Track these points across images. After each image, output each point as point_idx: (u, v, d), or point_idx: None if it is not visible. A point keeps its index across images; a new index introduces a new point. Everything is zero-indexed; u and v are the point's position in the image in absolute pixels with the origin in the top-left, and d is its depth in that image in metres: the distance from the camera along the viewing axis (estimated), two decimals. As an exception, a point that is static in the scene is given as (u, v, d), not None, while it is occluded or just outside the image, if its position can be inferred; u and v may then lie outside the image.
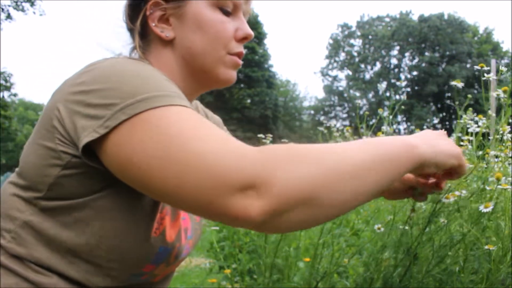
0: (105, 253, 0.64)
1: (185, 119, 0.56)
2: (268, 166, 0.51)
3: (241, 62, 0.80)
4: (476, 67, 0.92)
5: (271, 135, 2.34)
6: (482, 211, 0.81)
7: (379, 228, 1.11)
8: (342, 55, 38.57)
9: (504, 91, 0.88)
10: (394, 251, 1.06)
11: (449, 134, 1.18)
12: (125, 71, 0.62)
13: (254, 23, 25.86)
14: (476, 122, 1.04)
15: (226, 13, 0.76)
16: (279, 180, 0.50)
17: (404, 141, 0.62)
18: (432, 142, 0.67)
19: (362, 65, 37.38)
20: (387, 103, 1.42)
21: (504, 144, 0.96)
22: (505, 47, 33.94)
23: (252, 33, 0.79)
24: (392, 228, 1.10)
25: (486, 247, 0.82)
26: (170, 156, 0.53)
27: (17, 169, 0.70)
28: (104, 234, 0.63)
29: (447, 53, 32.34)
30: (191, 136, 0.54)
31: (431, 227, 0.97)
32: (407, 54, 35.60)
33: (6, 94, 18.56)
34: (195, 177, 0.51)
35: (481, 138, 1.00)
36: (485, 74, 0.91)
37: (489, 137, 1.02)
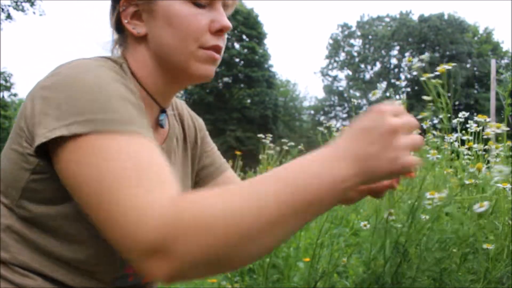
0: (84, 257, 0.65)
1: (125, 154, 0.55)
2: (174, 233, 0.49)
3: (218, 56, 0.75)
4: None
5: (271, 135, 2.35)
6: (476, 211, 0.81)
7: (365, 225, 1.11)
8: (342, 55, 38.56)
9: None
10: (390, 250, 1.06)
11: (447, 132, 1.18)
12: (85, 82, 0.61)
13: (254, 23, 25.87)
14: (476, 122, 1.04)
15: (200, 6, 0.72)
16: (183, 249, 0.49)
17: (331, 175, 0.53)
18: (368, 164, 0.54)
19: (362, 65, 37.37)
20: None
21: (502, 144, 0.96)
22: (505, 47, 33.94)
23: (229, 24, 0.74)
24: (387, 225, 1.10)
25: (485, 246, 0.82)
26: (99, 192, 0.53)
27: None
28: (81, 241, 0.64)
29: (447, 53, 32.32)
30: (121, 182, 0.53)
31: (415, 223, 0.96)
32: (407, 54, 35.57)
33: (6, 94, 18.57)
34: (114, 228, 0.52)
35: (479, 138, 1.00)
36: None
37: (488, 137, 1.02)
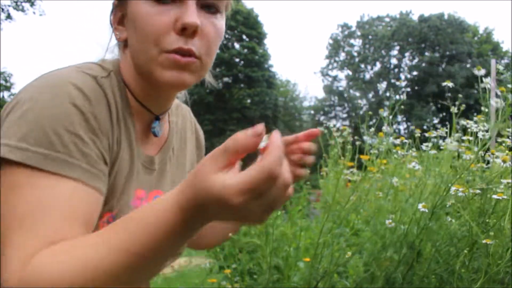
0: None
1: (36, 198, 0.55)
2: None
3: (185, 60, 0.65)
4: (476, 71, 0.93)
5: (271, 135, 2.33)
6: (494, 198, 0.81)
7: (384, 224, 1.11)
8: (342, 55, 38.55)
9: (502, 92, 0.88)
10: (395, 250, 1.06)
11: (450, 134, 1.18)
12: (37, 105, 0.59)
13: (254, 23, 25.87)
14: (476, 123, 1.04)
15: (164, 2, 0.65)
16: None
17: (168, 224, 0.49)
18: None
19: (362, 65, 37.36)
20: (387, 103, 1.42)
21: (504, 144, 0.96)
22: (505, 47, 33.94)
23: (192, 21, 0.63)
24: (392, 225, 1.10)
25: (484, 241, 0.82)
26: (5, 227, 0.55)
27: None
28: None
29: (447, 53, 32.32)
30: (18, 225, 0.54)
31: (435, 222, 0.97)
32: (407, 54, 35.59)
33: (6, 94, 18.57)
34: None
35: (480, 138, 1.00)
36: (483, 79, 0.91)
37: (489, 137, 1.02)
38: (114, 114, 0.66)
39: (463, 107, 1.17)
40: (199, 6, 0.67)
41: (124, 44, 0.73)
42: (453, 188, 0.93)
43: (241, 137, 0.46)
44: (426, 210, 0.95)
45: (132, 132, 0.71)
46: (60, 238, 0.55)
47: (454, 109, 1.11)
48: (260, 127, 0.47)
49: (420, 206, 0.96)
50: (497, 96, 0.91)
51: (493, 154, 0.92)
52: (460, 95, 1.19)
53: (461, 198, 0.94)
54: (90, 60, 0.73)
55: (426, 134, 1.26)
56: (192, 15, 0.64)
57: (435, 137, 1.22)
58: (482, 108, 0.99)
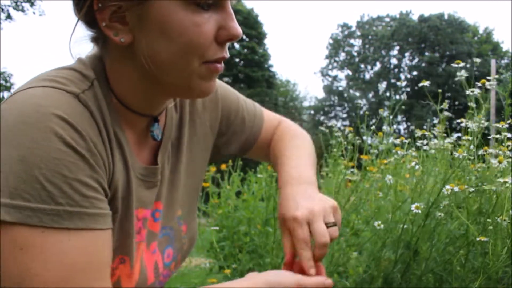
0: None
1: (44, 261, 0.50)
2: None
3: (221, 67, 0.62)
4: (455, 64, 0.95)
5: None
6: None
7: (379, 225, 1.11)
8: (342, 55, 38.55)
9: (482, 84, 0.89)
10: (394, 250, 1.06)
11: (449, 134, 1.18)
12: (21, 149, 0.50)
13: (254, 23, 25.87)
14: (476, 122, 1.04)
15: (205, 8, 0.58)
16: None
17: None
18: None
19: (362, 65, 37.36)
20: (387, 103, 1.42)
21: (503, 144, 0.96)
22: (505, 47, 33.94)
23: (240, 32, 0.60)
24: (390, 225, 1.10)
25: (479, 238, 0.83)
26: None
27: None
28: None
29: (447, 53, 32.32)
30: None
31: (430, 221, 0.97)
32: (407, 54, 35.58)
33: (6, 94, 18.56)
34: None
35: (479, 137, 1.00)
36: (457, 73, 0.92)
37: (489, 137, 1.02)
38: (104, 133, 0.59)
39: (446, 103, 1.18)
40: None
41: (118, 45, 0.60)
42: (447, 187, 0.94)
43: None
44: (419, 211, 0.95)
45: (126, 147, 0.64)
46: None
47: (438, 107, 1.12)
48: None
49: (413, 207, 0.96)
50: (476, 87, 0.92)
51: (486, 151, 0.93)
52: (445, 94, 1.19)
53: (457, 196, 0.94)
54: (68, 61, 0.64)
55: (426, 134, 1.26)
56: (236, 24, 0.60)
57: (435, 136, 1.22)
58: (469, 104, 1.00)
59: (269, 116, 0.94)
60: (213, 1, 0.58)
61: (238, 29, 0.60)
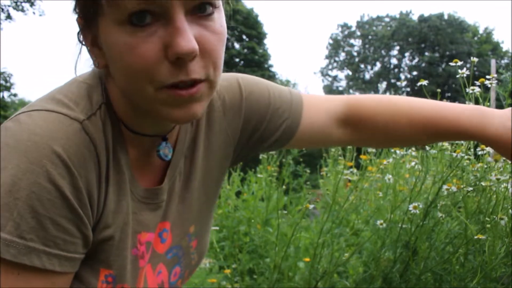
0: None
1: None
2: None
3: (186, 93, 0.52)
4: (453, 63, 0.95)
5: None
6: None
7: (381, 224, 1.11)
8: (342, 55, 38.57)
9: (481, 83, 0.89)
10: (393, 250, 1.06)
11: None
12: (8, 165, 0.49)
13: (254, 23, 25.87)
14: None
15: (142, 25, 0.49)
16: None
17: None
18: None
19: (362, 65, 37.38)
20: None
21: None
22: (505, 47, 33.97)
23: (188, 47, 0.49)
24: (390, 225, 1.10)
25: (476, 237, 0.83)
26: None
27: None
28: None
29: (447, 53, 32.33)
30: None
31: (429, 221, 0.97)
32: (407, 54, 35.60)
33: (6, 94, 18.58)
34: None
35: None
36: (459, 70, 0.92)
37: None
38: (104, 163, 0.57)
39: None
40: (189, 11, 0.51)
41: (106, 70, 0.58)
42: (445, 186, 0.94)
43: None
44: (417, 212, 0.95)
45: (126, 172, 0.61)
46: None
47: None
48: None
49: (410, 207, 0.95)
50: (476, 85, 0.92)
51: (482, 150, 0.93)
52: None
53: (456, 196, 0.94)
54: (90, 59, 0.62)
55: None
56: (184, 37, 0.49)
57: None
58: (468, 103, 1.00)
59: (317, 98, 0.81)
60: (155, 15, 0.49)
61: (183, 46, 0.49)
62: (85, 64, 0.62)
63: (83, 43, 0.58)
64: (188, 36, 0.49)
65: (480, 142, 0.75)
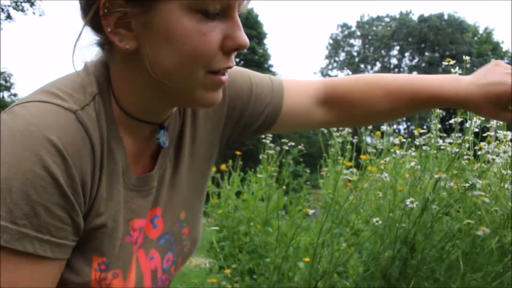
0: None
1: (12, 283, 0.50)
2: None
3: (226, 79, 0.61)
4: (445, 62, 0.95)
5: (271, 135, 2.35)
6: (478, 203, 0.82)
7: (377, 221, 1.11)
8: (342, 55, 38.57)
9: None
10: (392, 246, 1.06)
11: (449, 134, 1.18)
12: (3, 154, 0.50)
13: (254, 23, 25.87)
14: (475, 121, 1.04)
15: (212, 16, 0.56)
16: None
17: None
18: None
19: (362, 65, 37.37)
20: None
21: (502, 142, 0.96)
22: (505, 47, 33.98)
23: (247, 42, 0.59)
24: (388, 222, 1.10)
25: (478, 232, 0.83)
26: None
27: None
28: None
29: (447, 53, 32.33)
30: None
31: (427, 216, 0.98)
32: (407, 54, 35.60)
33: (6, 94, 18.59)
34: None
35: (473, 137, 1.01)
36: (452, 70, 0.92)
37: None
38: (98, 153, 0.59)
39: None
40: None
41: (123, 51, 0.59)
42: (442, 184, 0.94)
43: None
44: (414, 206, 0.96)
45: (120, 163, 0.63)
46: None
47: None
48: None
49: (408, 201, 0.96)
50: None
51: (480, 148, 0.93)
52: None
53: (454, 192, 0.94)
54: (90, 59, 0.64)
55: (422, 132, 1.27)
56: (243, 33, 0.59)
57: (434, 137, 1.23)
58: None
59: (297, 81, 0.84)
60: (220, 11, 0.57)
61: (245, 39, 0.59)
62: (80, 60, 0.63)
63: (99, 25, 0.58)
64: (243, 31, 0.59)
65: (455, 106, 0.78)
